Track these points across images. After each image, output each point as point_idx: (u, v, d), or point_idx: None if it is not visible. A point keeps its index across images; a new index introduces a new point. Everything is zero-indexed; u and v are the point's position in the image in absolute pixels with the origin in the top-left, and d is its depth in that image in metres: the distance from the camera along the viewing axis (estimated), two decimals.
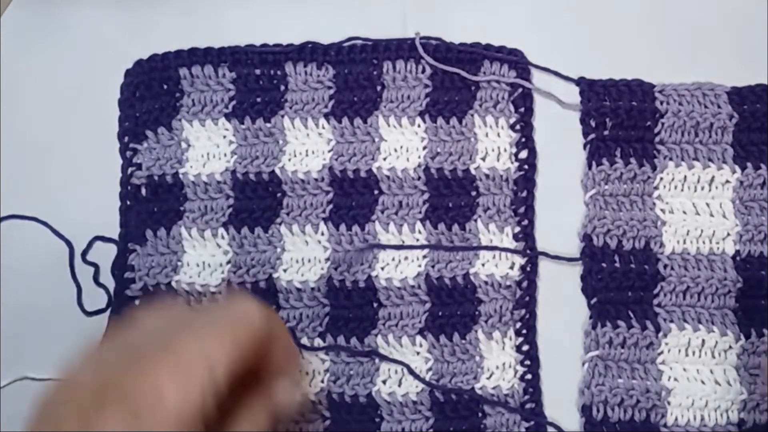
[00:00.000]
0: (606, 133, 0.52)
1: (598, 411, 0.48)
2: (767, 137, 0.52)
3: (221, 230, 0.52)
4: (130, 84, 0.54)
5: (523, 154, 0.52)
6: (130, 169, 0.52)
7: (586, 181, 0.52)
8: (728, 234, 0.51)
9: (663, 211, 0.51)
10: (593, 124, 0.52)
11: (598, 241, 0.51)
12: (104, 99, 0.53)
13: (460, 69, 0.53)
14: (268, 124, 0.53)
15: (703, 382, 0.49)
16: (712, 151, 0.51)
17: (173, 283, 0.51)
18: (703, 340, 0.49)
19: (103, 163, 0.53)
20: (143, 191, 0.52)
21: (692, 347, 0.49)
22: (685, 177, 0.51)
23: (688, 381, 0.49)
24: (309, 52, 0.54)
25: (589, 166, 0.52)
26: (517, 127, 0.53)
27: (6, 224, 0.53)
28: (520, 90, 0.53)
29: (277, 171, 0.52)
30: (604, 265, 0.50)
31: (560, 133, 0.53)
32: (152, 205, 0.52)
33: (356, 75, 0.53)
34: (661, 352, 0.49)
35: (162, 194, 0.52)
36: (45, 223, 0.52)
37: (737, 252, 0.50)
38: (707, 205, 0.51)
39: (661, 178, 0.51)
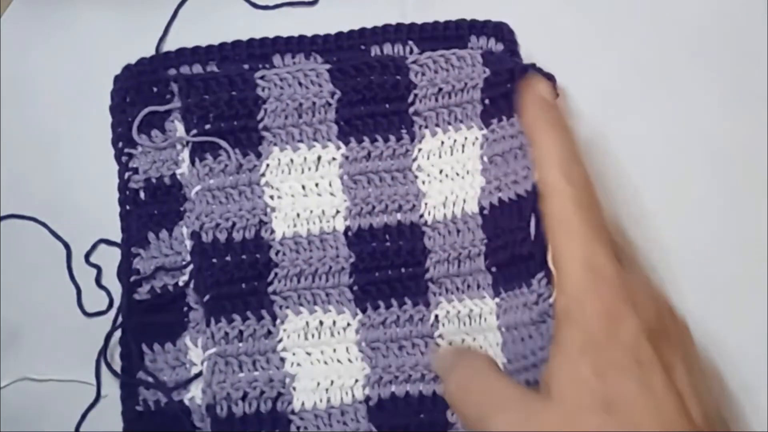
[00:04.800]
0: (208, 126, 0.50)
1: (222, 409, 0.47)
2: (369, 111, 0.51)
3: None
4: (119, 89, 0.54)
5: None
6: (127, 174, 0.52)
7: (190, 179, 0.50)
8: (338, 211, 0.50)
9: (272, 197, 0.50)
10: (195, 119, 0.50)
11: (207, 237, 0.49)
12: (105, 99, 0.53)
13: (447, 46, 0.52)
14: None
15: (326, 363, 0.48)
16: (317, 130, 0.51)
17: (180, 283, 0.51)
18: (321, 321, 0.49)
19: (105, 163, 0.53)
20: (142, 195, 0.52)
21: (311, 330, 0.48)
22: (292, 160, 0.50)
23: (311, 364, 0.48)
24: (296, 43, 0.54)
25: (193, 162, 0.50)
26: None
27: (6, 224, 0.53)
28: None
29: None
30: (214, 260, 0.49)
31: None
32: (152, 208, 0.51)
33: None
34: (281, 340, 0.48)
35: (161, 196, 0.52)
36: (43, 224, 0.52)
37: (348, 227, 0.50)
38: (316, 185, 0.50)
39: (267, 165, 0.50)
